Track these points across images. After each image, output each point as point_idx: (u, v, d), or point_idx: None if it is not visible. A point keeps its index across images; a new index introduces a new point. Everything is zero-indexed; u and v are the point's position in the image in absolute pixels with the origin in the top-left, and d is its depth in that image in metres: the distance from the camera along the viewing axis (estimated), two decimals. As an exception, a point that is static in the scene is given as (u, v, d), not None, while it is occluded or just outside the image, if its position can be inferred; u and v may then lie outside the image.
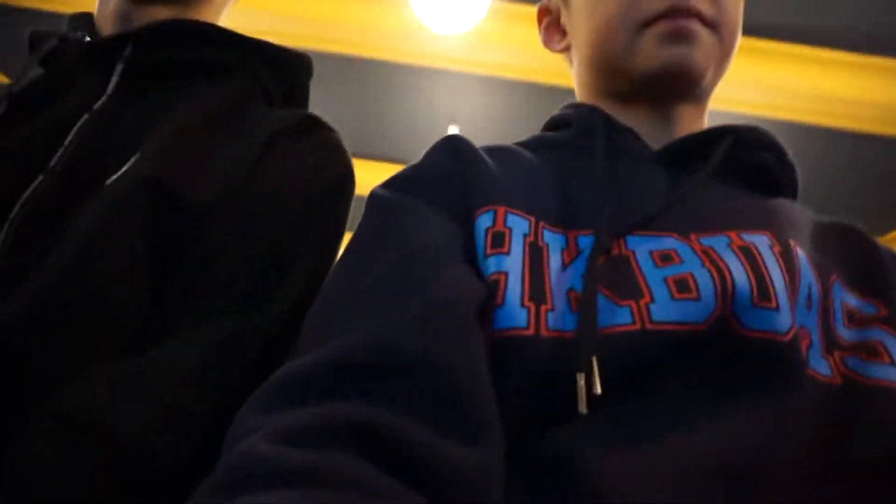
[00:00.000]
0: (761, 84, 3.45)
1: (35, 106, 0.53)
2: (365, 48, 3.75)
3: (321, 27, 3.62)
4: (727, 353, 0.42)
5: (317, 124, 0.61)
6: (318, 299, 0.45)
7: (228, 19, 0.69)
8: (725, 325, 0.42)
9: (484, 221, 0.47)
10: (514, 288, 0.43)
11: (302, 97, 0.67)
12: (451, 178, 0.51)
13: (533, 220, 0.48)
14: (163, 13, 0.59)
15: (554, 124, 0.65)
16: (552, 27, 0.70)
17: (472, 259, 0.46)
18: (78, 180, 0.48)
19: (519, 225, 0.47)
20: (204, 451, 0.42)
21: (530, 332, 0.41)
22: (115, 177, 0.48)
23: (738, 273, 0.43)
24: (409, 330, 0.37)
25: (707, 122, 0.63)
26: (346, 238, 0.58)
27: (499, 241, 0.46)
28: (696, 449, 0.38)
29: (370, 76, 4.04)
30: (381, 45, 3.70)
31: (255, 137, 0.54)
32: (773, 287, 0.43)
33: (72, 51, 0.57)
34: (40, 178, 0.48)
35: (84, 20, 0.61)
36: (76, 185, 0.48)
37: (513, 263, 0.44)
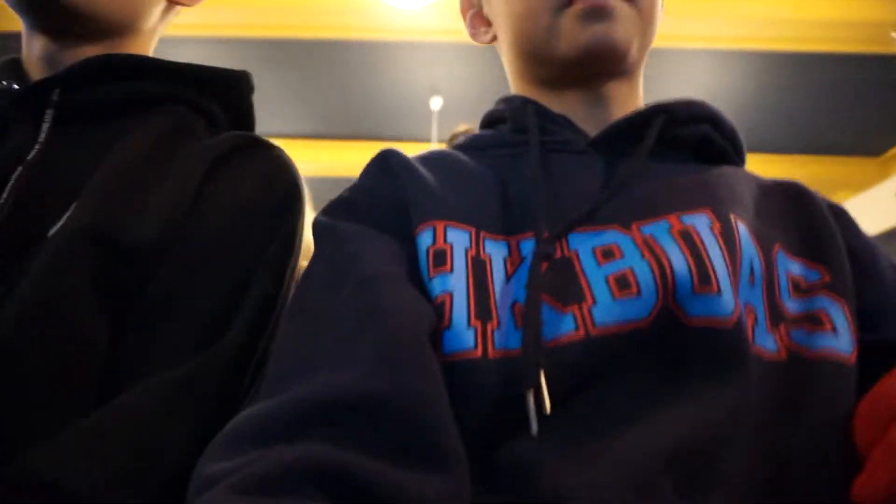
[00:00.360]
0: (736, 16, 3.42)
1: None
2: (338, 31, 3.71)
3: (291, 15, 3.58)
4: (673, 343, 0.42)
5: (258, 144, 0.59)
6: (278, 340, 0.44)
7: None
8: (669, 316, 0.42)
9: (424, 240, 0.47)
10: (460, 308, 0.43)
11: (247, 114, 0.65)
12: (388, 197, 0.51)
13: (473, 231, 0.48)
14: (90, 50, 0.56)
15: (491, 119, 0.64)
16: (476, 18, 0.68)
17: (418, 279, 0.46)
18: (18, 236, 0.47)
19: (459, 239, 0.47)
20: (169, 500, 0.42)
21: (478, 353, 0.41)
22: (55, 228, 0.47)
23: (678, 261, 0.43)
24: (368, 369, 0.37)
25: (643, 96, 0.63)
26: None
27: (440, 259, 0.45)
28: (646, 443, 0.38)
29: (347, 58, 4.00)
30: (354, 25, 3.66)
31: (196, 166, 0.53)
32: (714, 270, 0.43)
33: (7, 104, 0.55)
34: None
35: (12, 67, 0.60)
36: (17, 242, 0.47)
37: (456, 281, 0.44)
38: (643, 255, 0.44)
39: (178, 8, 0.65)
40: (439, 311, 0.43)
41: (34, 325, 0.44)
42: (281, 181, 0.57)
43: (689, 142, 0.56)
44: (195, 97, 0.59)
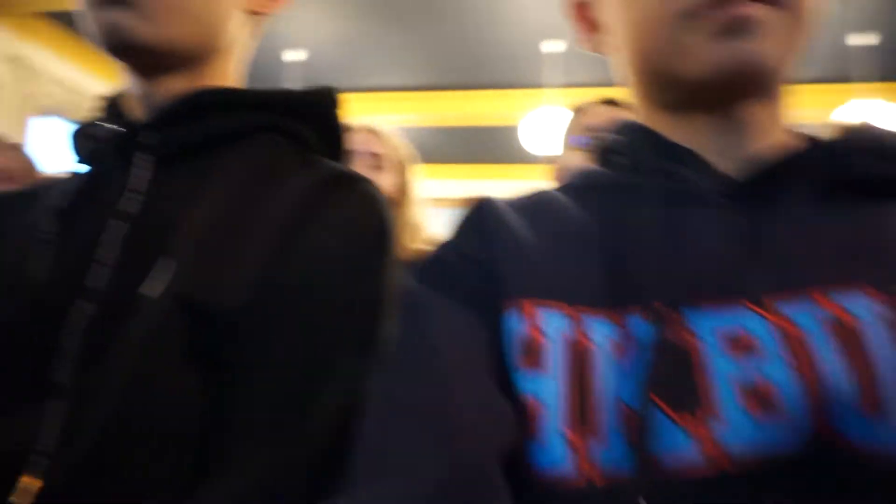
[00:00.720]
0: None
1: (74, 213, 0.54)
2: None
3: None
4: (829, 478, 0.33)
5: (345, 181, 0.56)
6: (363, 422, 0.42)
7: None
8: (824, 445, 0.33)
9: (513, 324, 0.41)
10: (553, 416, 0.37)
11: (335, 129, 0.64)
12: (477, 263, 0.46)
13: (572, 310, 0.41)
14: (178, 83, 0.57)
15: (605, 151, 0.54)
16: (585, 22, 0.56)
17: (503, 365, 0.41)
18: (118, 296, 0.48)
19: (555, 323, 0.40)
20: None
21: (576, 478, 0.36)
22: (149, 289, 0.47)
23: (835, 370, 0.34)
24: (434, 489, 0.34)
25: (783, 120, 0.51)
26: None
27: (531, 352, 0.40)
28: None
29: (457, 6, 3.96)
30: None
31: (284, 211, 0.52)
32: (884, 384, 0.34)
33: (108, 149, 0.56)
34: (83, 302, 0.48)
35: (116, 105, 0.60)
36: (117, 302, 0.48)
37: (550, 384, 0.39)
38: (785, 356, 0.36)
39: (261, 17, 0.64)
40: (526, 413, 0.39)
41: (135, 398, 0.44)
42: (368, 226, 0.55)
43: (860, 180, 0.44)
44: (283, 123, 0.59)
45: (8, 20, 4.09)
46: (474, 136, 5.86)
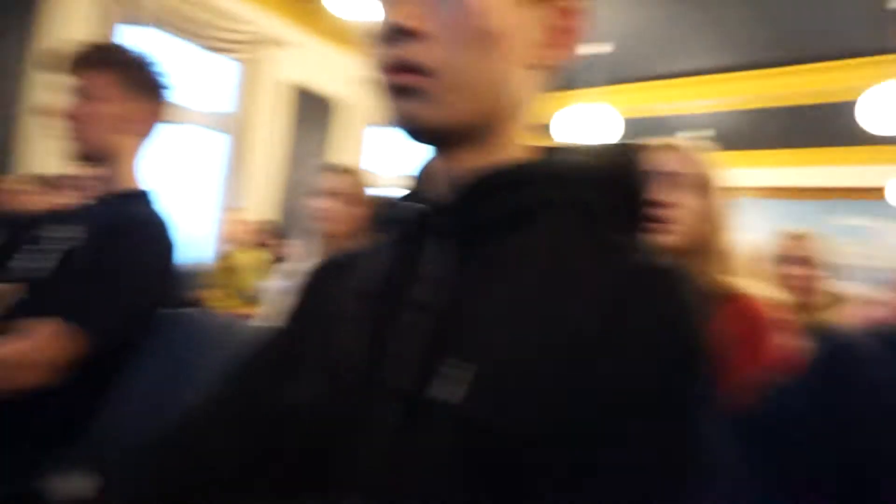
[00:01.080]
0: None
1: (375, 297, 0.56)
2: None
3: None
4: None
5: (647, 282, 0.49)
6: None
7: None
8: None
9: None
10: None
11: (635, 196, 0.58)
12: (831, 434, 0.35)
13: None
14: (470, 157, 0.56)
15: None
16: None
17: None
18: (414, 395, 0.48)
19: None
20: None
21: None
22: (445, 396, 0.46)
23: None
24: None
25: None
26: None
27: None
28: None
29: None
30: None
31: (579, 322, 0.48)
32: None
33: (405, 230, 0.58)
34: (382, 399, 0.49)
35: (420, 181, 0.62)
36: (413, 402, 0.47)
37: None
38: None
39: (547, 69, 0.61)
40: None
41: None
42: (677, 344, 0.47)
43: None
44: (577, 196, 0.56)
45: (350, 48, 4.93)
46: (798, 117, 5.17)
